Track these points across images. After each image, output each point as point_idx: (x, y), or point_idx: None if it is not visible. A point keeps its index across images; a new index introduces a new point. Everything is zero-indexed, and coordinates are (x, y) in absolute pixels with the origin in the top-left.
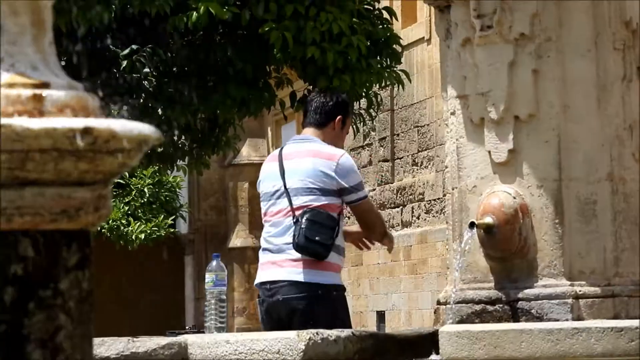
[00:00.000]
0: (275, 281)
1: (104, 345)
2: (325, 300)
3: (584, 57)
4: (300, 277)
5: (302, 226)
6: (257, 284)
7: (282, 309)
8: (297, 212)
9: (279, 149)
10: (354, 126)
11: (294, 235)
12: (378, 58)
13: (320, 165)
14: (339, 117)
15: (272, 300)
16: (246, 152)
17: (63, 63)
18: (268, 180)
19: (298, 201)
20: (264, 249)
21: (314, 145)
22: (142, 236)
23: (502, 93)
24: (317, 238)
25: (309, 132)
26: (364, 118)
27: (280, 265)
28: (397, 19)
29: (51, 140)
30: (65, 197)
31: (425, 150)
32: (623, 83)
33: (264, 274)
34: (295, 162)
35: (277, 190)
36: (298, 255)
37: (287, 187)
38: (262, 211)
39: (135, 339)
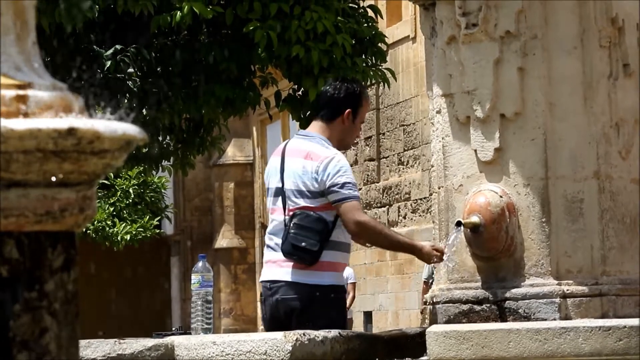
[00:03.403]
0: (275, 280)
1: (90, 347)
2: (322, 302)
3: (570, 54)
4: (297, 278)
5: (290, 231)
6: (260, 281)
7: (281, 309)
8: (289, 215)
9: (285, 142)
10: None
11: (282, 240)
12: (363, 56)
13: (308, 167)
14: (347, 111)
15: (272, 300)
16: (231, 152)
17: (47, 63)
18: (272, 177)
19: (291, 203)
20: (267, 246)
21: (309, 145)
22: (128, 237)
23: (487, 91)
24: (303, 244)
25: (316, 126)
26: None
27: (279, 265)
28: (382, 17)
29: (35, 141)
30: (49, 198)
31: (411, 149)
32: (609, 81)
33: (266, 273)
34: (292, 162)
35: (277, 188)
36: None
37: (284, 187)
38: (267, 206)
39: (121, 341)
